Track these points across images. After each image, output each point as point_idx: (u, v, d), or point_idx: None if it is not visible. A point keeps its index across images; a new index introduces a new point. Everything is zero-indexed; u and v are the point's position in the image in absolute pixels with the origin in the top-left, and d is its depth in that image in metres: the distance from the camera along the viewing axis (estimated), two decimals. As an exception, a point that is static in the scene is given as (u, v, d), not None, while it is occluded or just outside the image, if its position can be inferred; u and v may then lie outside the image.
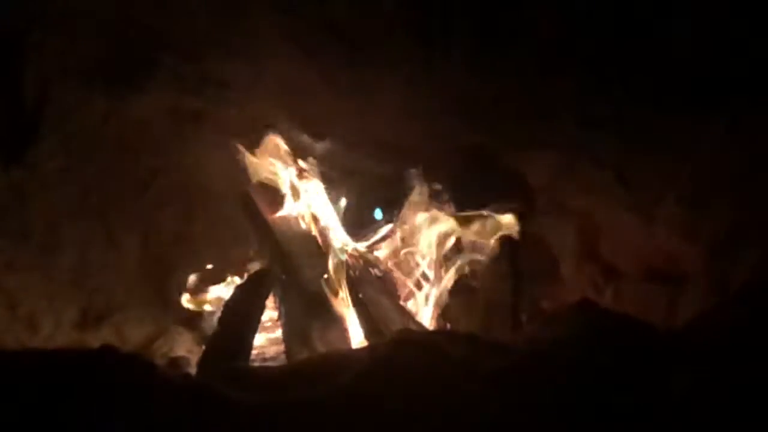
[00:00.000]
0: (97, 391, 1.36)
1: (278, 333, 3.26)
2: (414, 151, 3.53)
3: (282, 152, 3.42)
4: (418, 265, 3.47)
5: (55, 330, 3.00)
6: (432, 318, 3.34)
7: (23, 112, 2.96)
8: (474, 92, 3.23)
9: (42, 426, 1.29)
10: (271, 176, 3.46)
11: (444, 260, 3.43)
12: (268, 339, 3.33)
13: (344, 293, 3.17)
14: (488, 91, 3.19)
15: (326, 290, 3.13)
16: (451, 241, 3.46)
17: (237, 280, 3.47)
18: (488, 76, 3.17)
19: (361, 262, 3.34)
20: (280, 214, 3.42)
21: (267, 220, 3.37)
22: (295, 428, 1.37)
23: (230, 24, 3.02)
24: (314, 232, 3.37)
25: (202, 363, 2.80)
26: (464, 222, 3.42)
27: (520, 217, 3.43)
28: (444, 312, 3.32)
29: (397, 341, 1.65)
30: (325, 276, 3.18)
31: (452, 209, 3.38)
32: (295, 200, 3.46)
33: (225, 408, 1.41)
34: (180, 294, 3.40)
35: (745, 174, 2.59)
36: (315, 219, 3.45)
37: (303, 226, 3.39)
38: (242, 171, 3.44)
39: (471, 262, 3.38)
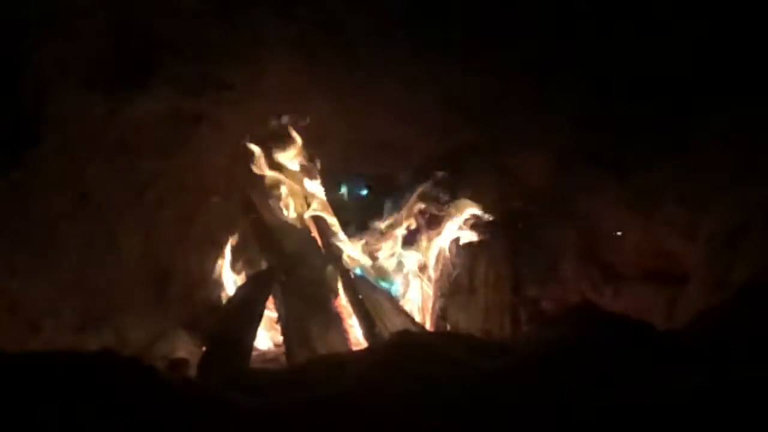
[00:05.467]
0: (98, 394, 1.36)
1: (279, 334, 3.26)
2: (413, 151, 3.53)
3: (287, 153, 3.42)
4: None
5: (56, 332, 2.99)
6: (431, 319, 3.34)
7: (23, 113, 2.96)
8: (474, 92, 3.23)
9: (43, 428, 1.29)
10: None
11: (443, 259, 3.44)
12: (268, 340, 3.34)
13: (344, 294, 3.17)
14: (488, 91, 3.20)
15: (326, 291, 3.13)
16: (449, 240, 3.46)
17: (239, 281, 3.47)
18: (488, 76, 3.17)
19: (361, 263, 3.35)
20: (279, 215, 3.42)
21: (267, 222, 3.37)
22: (295, 430, 1.38)
23: (230, 26, 3.02)
24: (314, 233, 3.37)
25: (203, 365, 2.80)
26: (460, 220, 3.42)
27: (520, 218, 3.43)
28: (444, 313, 3.32)
29: (397, 343, 1.65)
30: (325, 277, 3.18)
31: (452, 209, 3.39)
32: (295, 201, 3.47)
33: (225, 410, 1.41)
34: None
35: (744, 174, 2.59)
36: (315, 220, 3.45)
37: (303, 227, 3.39)
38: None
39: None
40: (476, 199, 3.39)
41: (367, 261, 3.39)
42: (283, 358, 3.07)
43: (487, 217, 3.38)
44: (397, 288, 3.36)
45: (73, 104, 3.00)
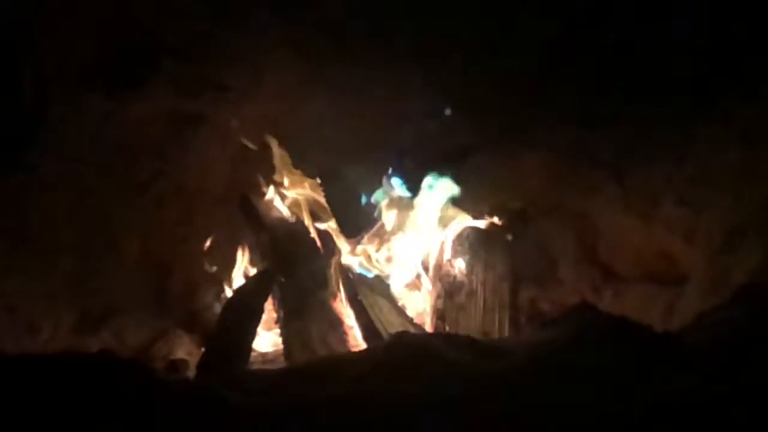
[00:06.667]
0: (96, 396, 1.36)
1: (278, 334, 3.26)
2: (413, 151, 3.53)
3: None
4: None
5: (55, 333, 2.99)
6: (430, 320, 3.34)
7: (22, 113, 2.95)
8: (473, 92, 3.23)
9: (41, 429, 1.29)
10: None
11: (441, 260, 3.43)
12: (267, 340, 3.33)
13: (343, 295, 3.17)
14: (487, 91, 3.20)
15: (325, 292, 3.13)
16: (448, 241, 3.45)
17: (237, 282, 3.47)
18: (488, 77, 3.18)
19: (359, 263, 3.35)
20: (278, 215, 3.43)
21: (266, 223, 3.38)
22: (294, 431, 1.37)
23: (229, 27, 3.02)
24: (313, 234, 3.37)
25: (202, 365, 2.80)
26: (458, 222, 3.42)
27: (519, 219, 3.43)
28: (442, 314, 3.32)
29: (396, 344, 1.65)
30: (324, 278, 3.18)
31: (450, 210, 3.39)
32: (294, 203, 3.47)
33: (224, 411, 1.41)
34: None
35: (743, 175, 2.59)
36: (314, 221, 3.45)
37: (302, 228, 3.39)
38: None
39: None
40: (475, 199, 3.39)
41: (365, 262, 3.40)
42: (282, 359, 3.07)
43: (486, 217, 3.39)
44: (394, 288, 3.36)
45: (72, 104, 3.00)
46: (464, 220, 3.40)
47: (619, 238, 3.19)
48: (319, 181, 3.44)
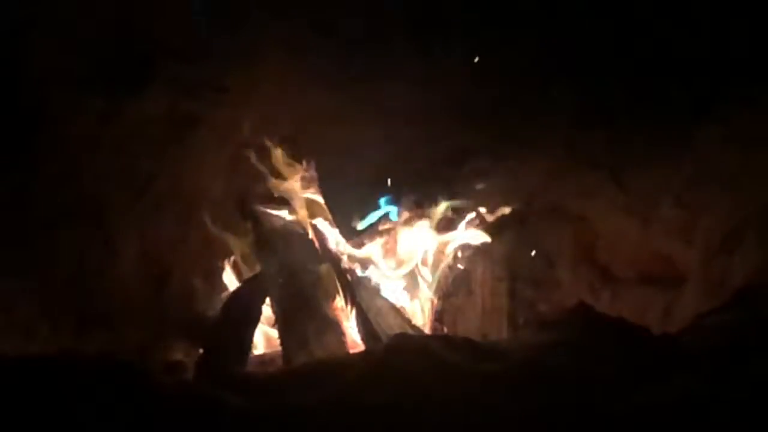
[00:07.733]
0: (95, 398, 1.36)
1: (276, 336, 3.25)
2: (412, 153, 3.54)
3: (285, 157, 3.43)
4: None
5: (53, 334, 2.98)
6: (429, 321, 3.34)
7: (23, 113, 2.95)
8: (473, 94, 3.24)
9: (41, 430, 1.29)
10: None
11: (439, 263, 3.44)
12: (265, 342, 3.33)
13: (341, 297, 3.17)
14: (487, 93, 3.20)
15: (323, 294, 3.12)
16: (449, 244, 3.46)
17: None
18: (487, 78, 3.18)
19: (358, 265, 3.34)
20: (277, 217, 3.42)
21: (265, 223, 3.37)
22: (292, 432, 1.38)
23: (229, 28, 3.03)
24: (312, 235, 3.36)
25: (200, 367, 2.80)
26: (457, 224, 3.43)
27: (518, 220, 3.44)
28: (441, 316, 3.32)
29: (394, 346, 1.65)
30: (323, 280, 3.17)
31: (449, 211, 3.39)
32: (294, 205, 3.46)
33: (223, 413, 1.41)
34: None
35: (741, 177, 2.60)
36: (313, 223, 3.45)
37: (300, 229, 3.38)
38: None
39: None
40: (474, 201, 3.40)
41: (364, 263, 3.39)
42: (281, 361, 3.06)
43: (485, 219, 3.39)
44: (393, 289, 3.36)
45: (72, 105, 3.00)
46: (463, 223, 3.40)
47: (617, 240, 3.20)
48: (317, 180, 3.44)
